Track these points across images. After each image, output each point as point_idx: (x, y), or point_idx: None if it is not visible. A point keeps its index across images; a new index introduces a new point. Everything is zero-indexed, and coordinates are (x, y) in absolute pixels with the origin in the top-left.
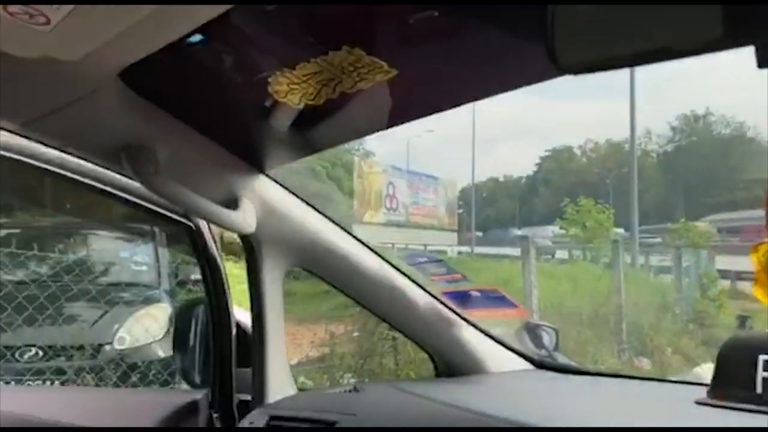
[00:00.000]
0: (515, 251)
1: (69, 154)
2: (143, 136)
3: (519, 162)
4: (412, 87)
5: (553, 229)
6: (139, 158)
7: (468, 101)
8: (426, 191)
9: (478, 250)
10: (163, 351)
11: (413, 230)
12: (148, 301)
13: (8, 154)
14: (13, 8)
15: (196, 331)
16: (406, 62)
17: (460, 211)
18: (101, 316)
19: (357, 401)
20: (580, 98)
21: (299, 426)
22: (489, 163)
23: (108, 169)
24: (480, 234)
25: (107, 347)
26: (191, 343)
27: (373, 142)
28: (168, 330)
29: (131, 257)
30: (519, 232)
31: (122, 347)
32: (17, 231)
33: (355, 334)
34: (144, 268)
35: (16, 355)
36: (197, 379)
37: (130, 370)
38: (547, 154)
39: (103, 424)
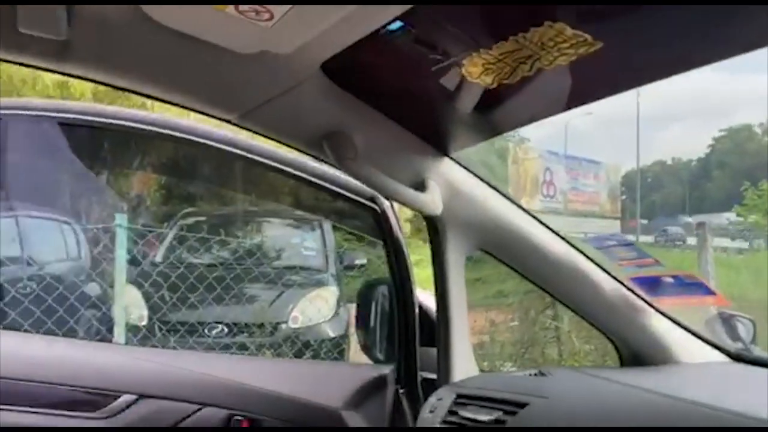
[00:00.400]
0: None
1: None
2: (342, 123)
3: (689, 143)
4: (617, 60)
5: (728, 216)
6: (340, 145)
7: (684, 70)
8: (586, 177)
9: (644, 239)
10: (332, 331)
11: (572, 218)
12: (318, 284)
13: (218, 145)
14: (243, 6)
15: (377, 310)
16: (613, 33)
17: (623, 197)
18: (277, 297)
19: (546, 384)
20: (760, 71)
21: (486, 405)
22: (655, 145)
23: (308, 154)
24: (645, 221)
25: (283, 326)
26: (373, 321)
27: (527, 126)
28: (336, 311)
29: (302, 243)
30: (689, 220)
31: (296, 326)
32: (203, 218)
33: (515, 322)
34: (313, 253)
35: (206, 331)
36: (380, 356)
37: (304, 348)
38: (722, 134)
39: (299, 393)
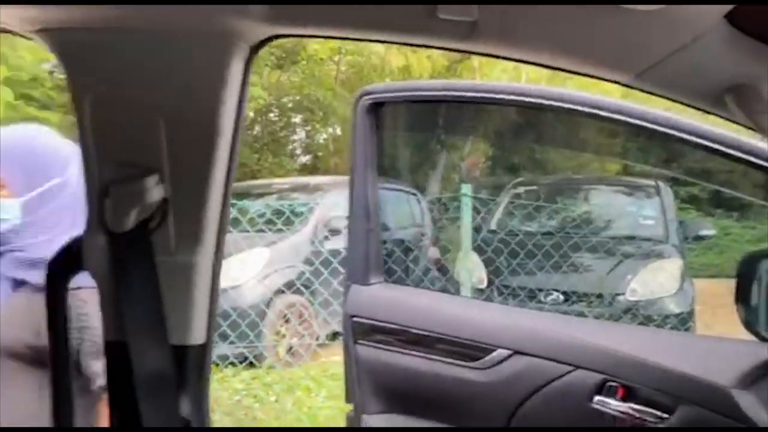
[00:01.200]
0: None
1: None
2: (749, 75)
3: None
4: None
5: None
6: (748, 98)
7: None
8: None
9: None
10: (676, 306)
11: None
12: (659, 255)
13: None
14: None
15: (763, 284)
16: None
17: None
18: (614, 267)
19: None
20: None
21: None
22: None
23: (705, 112)
24: None
25: (620, 297)
26: (758, 296)
27: None
28: (681, 286)
29: (638, 211)
30: None
31: (634, 299)
32: (534, 188)
33: None
34: (651, 222)
35: (541, 297)
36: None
37: (646, 322)
38: None
39: (687, 369)
